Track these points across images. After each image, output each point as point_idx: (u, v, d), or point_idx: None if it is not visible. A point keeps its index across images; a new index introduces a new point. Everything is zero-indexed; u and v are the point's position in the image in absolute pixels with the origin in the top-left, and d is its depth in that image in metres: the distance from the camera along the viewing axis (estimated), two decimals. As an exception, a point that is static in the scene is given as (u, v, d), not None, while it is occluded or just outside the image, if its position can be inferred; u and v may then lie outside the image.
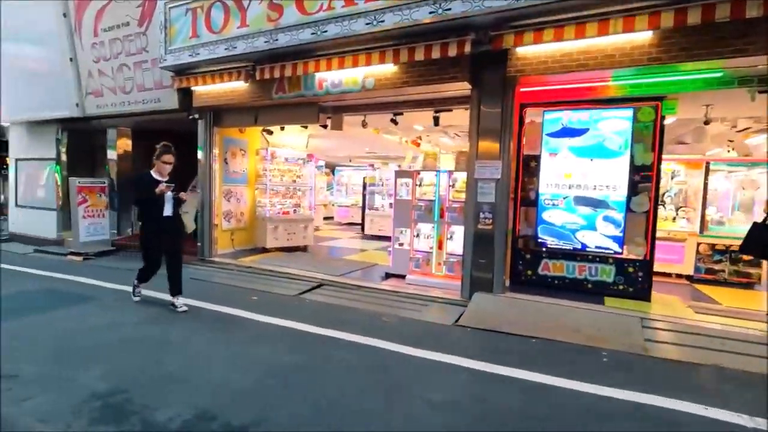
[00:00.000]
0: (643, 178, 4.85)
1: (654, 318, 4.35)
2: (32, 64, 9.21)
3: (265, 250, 8.09)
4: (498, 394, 2.89)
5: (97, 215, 8.50)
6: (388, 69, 5.25)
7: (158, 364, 3.20)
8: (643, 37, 4.00)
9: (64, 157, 9.68)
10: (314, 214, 9.32)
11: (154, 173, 4.68)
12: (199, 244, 7.55)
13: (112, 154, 9.33)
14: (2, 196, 12.79)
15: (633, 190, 4.89)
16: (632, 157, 4.89)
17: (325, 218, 14.36)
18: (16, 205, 10.61)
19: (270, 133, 7.64)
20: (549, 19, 4.11)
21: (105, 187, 8.65)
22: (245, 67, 6.06)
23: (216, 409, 2.54)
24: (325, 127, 6.81)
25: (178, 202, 4.71)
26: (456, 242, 5.80)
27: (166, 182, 4.56)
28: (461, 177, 5.79)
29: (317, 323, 4.26)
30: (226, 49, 5.84)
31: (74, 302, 4.85)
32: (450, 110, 5.86)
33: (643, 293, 4.88)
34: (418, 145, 10.99)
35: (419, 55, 4.70)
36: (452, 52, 4.54)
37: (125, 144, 9.38)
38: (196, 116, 7.30)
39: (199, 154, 7.45)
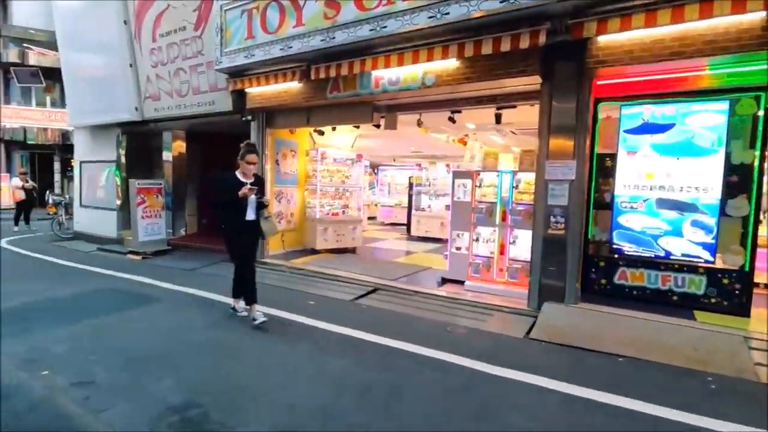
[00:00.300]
0: (742, 178, 4.31)
1: (759, 337, 3.85)
2: (95, 71, 9.63)
3: (314, 252, 8.04)
4: (601, 425, 2.57)
5: (155, 215, 8.76)
6: (449, 64, 4.98)
7: (229, 374, 3.11)
8: (752, 18, 3.51)
9: (123, 160, 10.06)
10: (362, 215, 9.18)
11: (239, 174, 4.40)
12: (251, 245, 7.58)
13: (167, 156, 9.61)
14: (67, 196, 13.54)
15: (729, 192, 4.37)
16: (728, 155, 4.36)
17: (369, 218, 14.26)
18: (81, 205, 11.17)
19: (321, 133, 7.57)
20: (638, 3, 3.71)
21: (162, 188, 8.90)
22: (300, 67, 5.98)
23: (298, 429, 2.39)
24: (378, 126, 6.63)
25: (260, 206, 4.43)
26: (520, 247, 5.46)
27: (249, 184, 4.27)
28: (525, 178, 5.44)
29: (380, 332, 4.07)
30: (281, 49, 5.78)
31: (139, 304, 4.92)
32: (513, 107, 5.51)
33: (740, 308, 4.35)
34: (465, 143, 10.63)
35: (487, 49, 4.40)
36: (524, 43, 4.21)
37: (180, 146, 9.64)
38: (249, 118, 7.33)
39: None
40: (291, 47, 5.66)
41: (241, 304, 4.57)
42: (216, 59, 6.61)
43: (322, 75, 5.65)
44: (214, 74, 7.22)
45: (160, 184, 8.92)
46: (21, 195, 12.00)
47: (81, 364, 3.13)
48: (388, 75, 5.47)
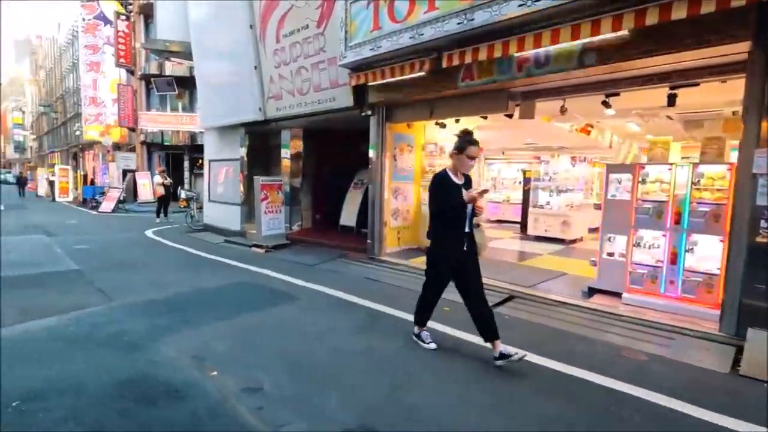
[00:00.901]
0: None
1: None
2: (223, 76, 10.35)
3: (430, 251, 7.68)
4: None
5: (276, 211, 9.13)
6: (616, 38, 4.19)
7: (395, 392, 2.84)
8: None
9: (245, 158, 10.71)
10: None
11: (450, 174, 3.45)
12: (369, 241, 7.48)
13: (285, 153, 9.98)
14: (194, 192, 15.04)
15: None
16: None
17: (474, 215, 13.57)
18: (209, 200, 12.23)
19: (443, 126, 7.15)
20: None
21: (282, 185, 9.26)
22: (429, 56, 5.60)
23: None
24: (509, 116, 6.00)
25: (473, 214, 3.45)
26: (699, 256, 4.48)
27: (463, 186, 3.41)
28: (709, 171, 4.43)
29: (540, 352, 3.53)
30: (411, 37, 5.45)
31: (280, 301, 4.93)
32: (695, 84, 4.51)
33: None
34: (588, 132, 9.43)
35: (679, 13, 3.56)
36: (738, 1, 3.30)
37: (296, 144, 9.94)
38: (369, 113, 7.18)
39: (371, 152, 7.33)
40: (422, 34, 5.30)
41: (425, 332, 3.75)
42: (340, 54, 6.54)
43: (456, 62, 5.20)
44: (336, 70, 7.20)
45: (281, 180, 9.29)
46: (161, 191, 13.58)
47: (244, 366, 3.10)
48: (536, 56, 4.84)
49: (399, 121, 7.27)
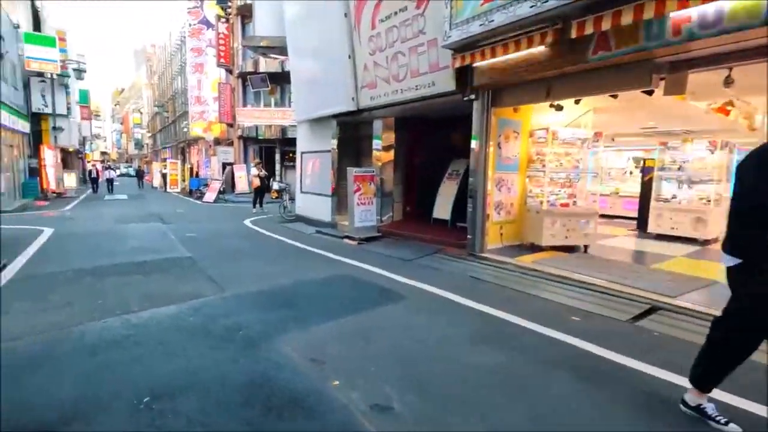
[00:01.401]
0: None
1: None
2: (317, 68, 10.41)
3: (536, 248, 6.94)
4: None
5: (368, 202, 8.96)
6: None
7: (538, 420, 2.36)
8: None
9: (336, 149, 10.70)
10: (595, 206, 7.61)
11: None
12: (469, 237, 6.95)
13: (376, 144, 9.76)
14: (284, 183, 15.60)
15: None
16: None
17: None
18: (301, 191, 12.52)
19: (560, 108, 6.33)
20: None
21: (374, 176, 9.05)
22: (550, 26, 4.88)
23: None
24: (650, 93, 5.05)
25: None
26: None
27: None
28: None
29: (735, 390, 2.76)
30: (532, 6, 4.76)
31: (386, 299, 4.63)
32: None
33: None
34: (728, 113, 7.83)
35: None
36: None
37: (389, 133, 9.66)
38: (472, 97, 6.60)
39: (473, 140, 6.76)
40: (547, 1, 4.59)
41: (711, 405, 2.37)
42: (444, 34, 6.03)
43: (590, 30, 4.42)
44: (436, 53, 6.72)
45: (373, 171, 9.08)
46: (257, 182, 14.25)
47: (366, 377, 2.80)
48: (702, 14, 3.90)
49: (506, 105, 6.59)
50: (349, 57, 8.94)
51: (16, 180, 16.71)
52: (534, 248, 7.02)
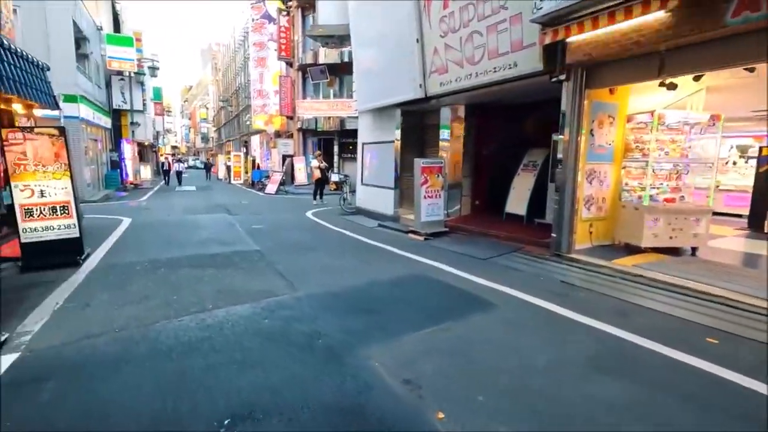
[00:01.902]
0: None
1: None
2: (381, 56, 9.99)
3: (633, 250, 6.08)
4: None
5: (435, 195, 8.45)
6: None
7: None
8: None
9: (399, 140, 10.26)
10: (706, 202, 6.55)
11: None
12: (554, 235, 6.23)
13: (444, 134, 9.19)
14: (342, 175, 15.43)
15: None
16: None
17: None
18: (362, 183, 12.25)
19: (672, 87, 5.39)
20: None
21: (442, 167, 8.50)
22: (675, -14, 4.05)
23: None
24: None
25: None
26: None
27: None
28: None
29: None
30: (652, -37, 3.97)
31: (469, 307, 4.12)
32: None
33: None
34: None
35: None
36: None
37: (457, 122, 9.04)
38: (562, 78, 5.84)
39: (562, 127, 6.01)
40: (675, -46, 3.79)
41: None
42: (533, 6, 5.33)
43: (734, -15, 3.58)
44: (520, 30, 6.02)
45: (441, 162, 8.54)
46: (318, 174, 14.20)
47: (474, 409, 2.34)
48: None
49: (604, 85, 5.76)
50: (417, 41, 8.42)
51: (100, 172, 18.02)
52: (630, 249, 6.17)
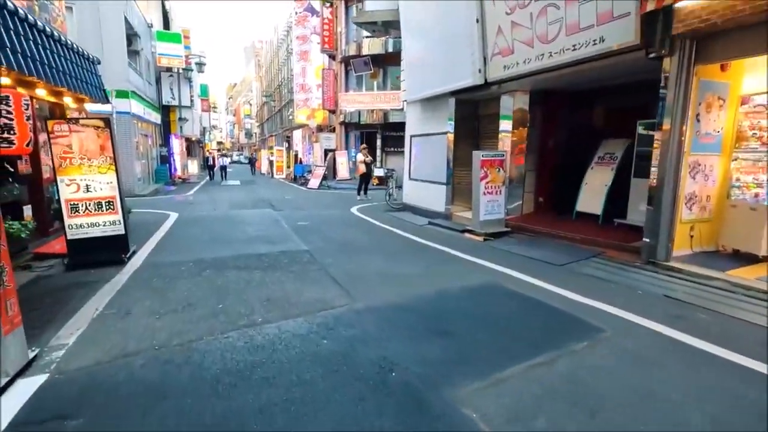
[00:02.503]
0: None
1: None
2: (435, 40, 9.24)
3: (748, 258, 5.05)
4: None
5: (495, 192, 7.65)
6: None
7: None
8: None
9: (452, 131, 9.49)
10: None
11: None
12: (646, 240, 5.31)
13: (504, 124, 8.32)
14: (385, 169, 14.84)
15: None
16: None
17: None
18: (409, 178, 11.59)
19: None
20: None
21: (503, 161, 7.69)
22: None
23: None
24: None
25: None
26: None
27: None
28: None
29: None
30: None
31: (572, 332, 3.31)
32: None
33: None
34: None
35: None
36: None
37: (521, 110, 8.15)
38: (663, 52, 4.89)
39: (662, 111, 5.06)
40: None
41: None
42: (633, -35, 4.44)
43: None
44: (609, -2, 5.12)
45: (503, 155, 7.72)
46: (363, 168, 13.66)
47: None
48: None
49: (715, 60, 4.77)
50: (477, 21, 7.61)
51: (150, 167, 18.44)
52: (741, 257, 5.15)
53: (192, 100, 25.07)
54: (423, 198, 10.74)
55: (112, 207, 5.39)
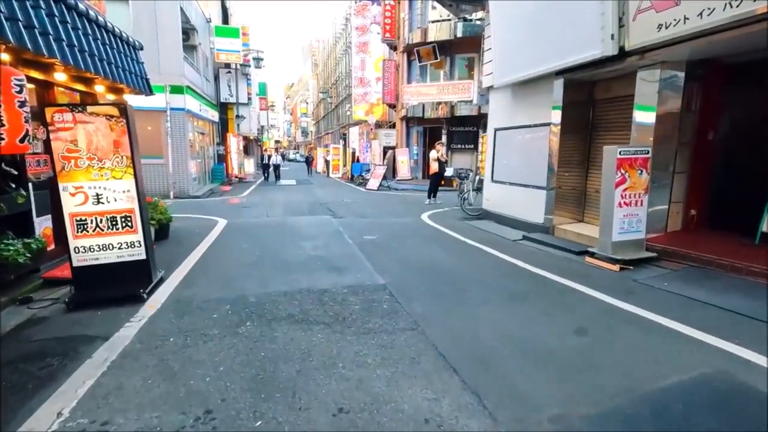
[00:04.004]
0: None
1: None
2: (536, 8, 7.22)
3: None
4: None
5: (635, 202, 5.55)
6: None
7: None
8: None
9: (557, 120, 7.41)
10: None
11: None
12: None
13: (643, 111, 6.09)
14: (467, 170, 12.90)
15: None
16: None
17: None
18: (492, 180, 9.62)
19: None
20: None
21: (647, 159, 5.55)
22: None
23: None
24: None
25: None
26: None
27: None
28: None
29: None
30: None
31: None
32: None
33: None
34: None
35: None
36: None
37: (671, 90, 5.91)
38: None
39: None
40: None
41: None
42: None
43: None
44: None
45: (647, 152, 5.57)
46: (435, 167, 11.83)
47: None
48: None
49: None
50: (614, -33, 5.52)
51: (207, 166, 17.85)
52: None
53: (250, 98, 24.54)
54: (511, 205, 8.75)
55: (130, 224, 4.02)
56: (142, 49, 7.55)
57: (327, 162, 27.48)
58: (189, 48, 15.53)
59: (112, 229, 3.98)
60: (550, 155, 7.53)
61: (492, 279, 4.95)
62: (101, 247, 3.96)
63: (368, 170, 19.65)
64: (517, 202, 8.55)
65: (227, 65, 20.15)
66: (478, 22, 17.37)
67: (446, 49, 18.20)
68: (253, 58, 23.56)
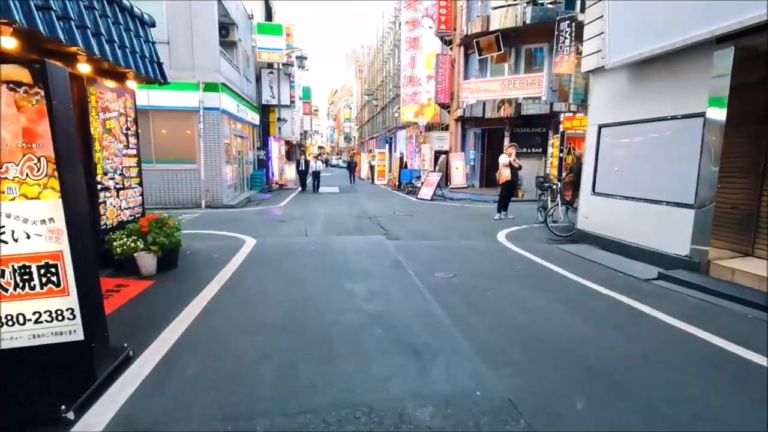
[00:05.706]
0: None
1: None
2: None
3: None
4: None
5: None
6: None
7: None
8: None
9: (718, 109, 5.06)
10: None
11: None
12: None
13: None
14: (554, 180, 10.62)
15: None
16: None
17: None
18: (593, 191, 7.31)
19: None
20: None
21: None
22: None
23: None
24: None
25: None
26: None
27: None
28: None
29: None
30: None
31: None
32: None
33: None
34: None
35: None
36: None
37: None
38: None
39: None
40: None
41: None
42: None
43: None
44: None
45: None
46: (507, 174, 9.61)
47: None
48: None
49: None
50: None
51: (245, 172, 16.54)
52: None
53: (292, 100, 23.30)
54: (627, 226, 6.46)
55: (54, 277, 2.24)
56: (153, 25, 6.00)
57: (372, 167, 25.72)
58: (228, 44, 14.28)
59: (23, 288, 2.21)
60: (702, 159, 5.19)
61: (651, 358, 2.77)
62: (6, 319, 2.20)
63: (418, 177, 17.63)
64: (638, 224, 6.24)
65: (269, 65, 18.91)
66: (550, 6, 14.98)
67: (511, 39, 15.89)
68: (297, 57, 22.29)
